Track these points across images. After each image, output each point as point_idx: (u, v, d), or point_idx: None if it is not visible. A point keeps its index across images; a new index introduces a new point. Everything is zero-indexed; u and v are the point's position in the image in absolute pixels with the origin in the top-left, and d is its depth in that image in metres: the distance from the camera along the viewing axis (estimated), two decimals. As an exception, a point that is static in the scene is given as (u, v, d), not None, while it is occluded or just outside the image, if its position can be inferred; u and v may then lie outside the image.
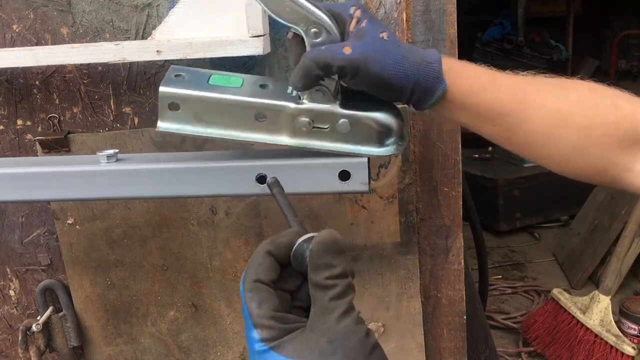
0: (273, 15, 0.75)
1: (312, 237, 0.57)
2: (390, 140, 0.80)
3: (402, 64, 0.74)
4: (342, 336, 0.53)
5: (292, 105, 0.78)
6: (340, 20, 0.77)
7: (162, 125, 0.81)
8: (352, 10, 0.77)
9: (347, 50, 0.73)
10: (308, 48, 0.76)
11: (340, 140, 0.79)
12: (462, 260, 1.16)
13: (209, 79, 0.82)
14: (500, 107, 0.78)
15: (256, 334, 0.53)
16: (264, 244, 0.59)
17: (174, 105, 0.80)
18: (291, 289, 0.60)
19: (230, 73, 0.84)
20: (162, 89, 0.80)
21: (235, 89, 0.81)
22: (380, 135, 0.80)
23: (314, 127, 0.79)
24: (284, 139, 0.80)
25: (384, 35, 0.75)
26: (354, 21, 0.76)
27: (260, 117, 0.79)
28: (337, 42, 0.76)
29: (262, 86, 0.83)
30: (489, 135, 0.81)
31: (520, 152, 0.83)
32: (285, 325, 0.54)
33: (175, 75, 0.82)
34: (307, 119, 0.78)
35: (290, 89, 0.80)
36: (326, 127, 0.79)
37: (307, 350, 0.52)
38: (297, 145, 0.80)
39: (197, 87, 0.80)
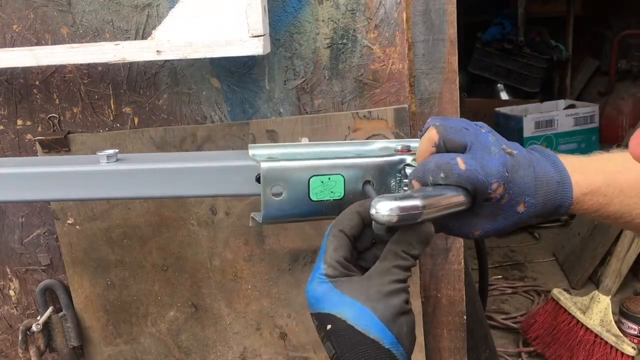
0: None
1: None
2: None
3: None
4: (388, 293, 0.66)
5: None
6: (476, 189, 0.70)
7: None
8: (494, 186, 0.70)
9: (477, 233, 0.74)
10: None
11: None
12: (462, 260, 1.16)
13: (309, 189, 0.78)
14: (620, 217, 0.78)
15: (322, 268, 0.68)
16: (356, 205, 0.73)
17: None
18: (360, 249, 0.73)
19: (329, 166, 0.79)
20: (263, 219, 0.79)
21: (338, 202, 0.80)
22: None
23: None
24: None
25: (522, 206, 0.73)
26: (492, 197, 0.71)
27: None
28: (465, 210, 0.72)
29: (366, 184, 0.80)
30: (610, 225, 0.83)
31: None
32: (346, 271, 0.68)
33: (274, 194, 0.78)
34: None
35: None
36: None
37: (357, 291, 0.66)
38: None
39: (299, 208, 0.79)
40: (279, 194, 0.78)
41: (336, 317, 0.65)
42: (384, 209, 0.65)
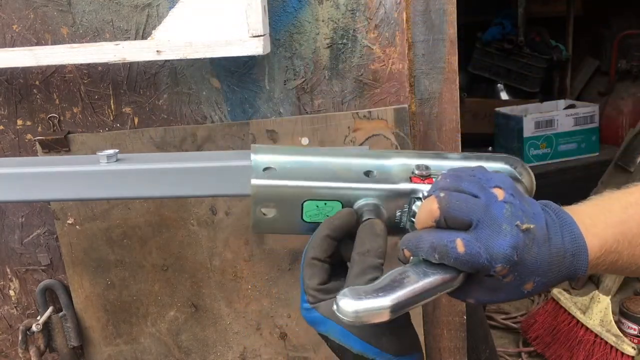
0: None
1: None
2: None
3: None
4: None
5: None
6: (477, 270, 0.63)
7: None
8: (498, 269, 0.62)
9: (471, 301, 0.68)
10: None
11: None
12: (462, 260, 1.15)
13: (302, 212, 0.72)
14: (628, 267, 0.74)
15: (304, 297, 0.70)
16: (324, 228, 0.71)
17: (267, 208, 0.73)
18: (345, 254, 0.73)
19: (327, 190, 0.72)
20: (252, 230, 0.75)
21: None
22: None
23: None
24: None
25: (530, 285, 0.65)
26: (494, 276, 0.63)
27: None
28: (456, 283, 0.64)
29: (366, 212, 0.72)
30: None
31: None
32: (323, 295, 0.69)
33: (263, 210, 0.72)
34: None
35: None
36: None
37: (334, 311, 0.64)
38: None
39: (290, 226, 0.73)
40: (270, 212, 0.72)
41: (328, 338, 0.69)
42: (346, 308, 0.59)
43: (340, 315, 0.60)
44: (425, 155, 0.76)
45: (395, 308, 0.59)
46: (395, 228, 0.74)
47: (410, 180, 0.72)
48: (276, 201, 0.71)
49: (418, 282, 0.61)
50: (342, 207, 0.71)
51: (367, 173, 0.73)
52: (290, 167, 0.72)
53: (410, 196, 0.72)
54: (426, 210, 0.64)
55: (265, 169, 0.72)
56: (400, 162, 0.74)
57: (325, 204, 0.71)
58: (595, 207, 0.74)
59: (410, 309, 0.61)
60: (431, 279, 0.62)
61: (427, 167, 0.73)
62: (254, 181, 0.71)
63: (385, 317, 0.59)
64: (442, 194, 0.64)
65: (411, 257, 0.65)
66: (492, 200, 0.63)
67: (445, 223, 0.63)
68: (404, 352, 0.68)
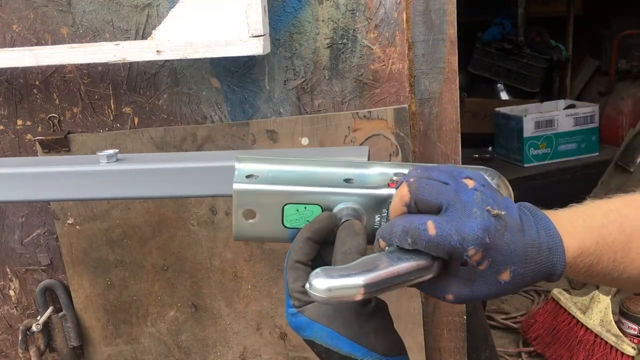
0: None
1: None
2: None
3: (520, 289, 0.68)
4: (343, 305, 0.67)
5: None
6: (450, 255, 0.63)
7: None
8: (470, 252, 0.62)
9: (450, 297, 0.66)
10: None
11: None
12: (462, 260, 1.16)
13: (283, 216, 0.74)
14: (608, 273, 0.73)
15: (289, 302, 0.70)
16: (305, 231, 0.72)
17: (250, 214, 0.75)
18: (329, 259, 0.73)
19: (307, 194, 0.74)
20: (235, 237, 0.76)
21: None
22: None
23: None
24: None
25: (506, 275, 0.64)
26: (468, 263, 0.63)
27: None
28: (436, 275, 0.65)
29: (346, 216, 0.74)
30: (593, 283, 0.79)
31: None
32: (309, 298, 0.67)
33: (245, 217, 0.74)
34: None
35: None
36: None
37: (319, 314, 0.68)
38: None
39: (272, 232, 0.75)
40: (252, 217, 0.74)
41: (314, 342, 0.69)
42: (318, 286, 0.61)
43: (312, 293, 0.61)
44: (405, 165, 0.77)
45: (368, 287, 0.61)
46: (375, 235, 0.74)
47: (388, 186, 0.74)
48: (257, 205, 0.73)
49: (392, 266, 0.63)
50: (322, 212, 0.73)
51: (347, 180, 0.75)
52: (272, 175, 0.75)
53: (387, 201, 0.73)
54: (397, 196, 0.66)
55: (248, 176, 0.74)
56: (379, 171, 0.76)
57: (305, 208, 0.73)
58: (574, 212, 0.74)
59: (383, 291, 0.63)
60: (405, 264, 0.63)
61: (405, 175, 0.74)
62: (236, 186, 0.73)
63: (358, 295, 0.61)
64: (412, 180, 0.66)
65: (387, 248, 0.67)
66: (462, 188, 0.64)
67: (416, 207, 0.65)
68: (392, 352, 0.68)
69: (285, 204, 0.73)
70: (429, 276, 0.64)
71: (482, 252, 0.62)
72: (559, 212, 0.73)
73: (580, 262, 0.70)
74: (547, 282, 0.70)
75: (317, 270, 0.62)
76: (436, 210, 0.64)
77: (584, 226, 0.71)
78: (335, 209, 0.73)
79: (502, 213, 0.64)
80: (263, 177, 0.74)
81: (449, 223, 0.62)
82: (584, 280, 0.76)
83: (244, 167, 0.75)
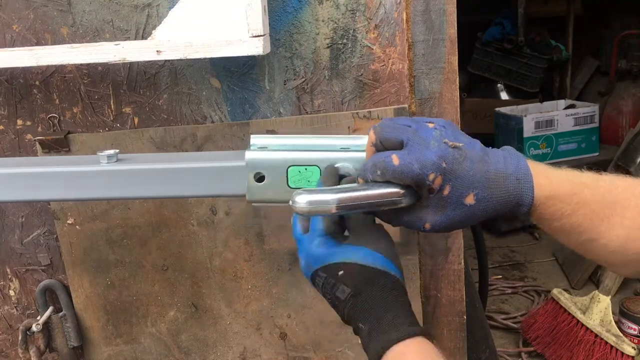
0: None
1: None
2: None
3: (491, 218, 0.75)
4: (381, 237, 0.79)
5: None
6: (414, 182, 0.73)
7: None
8: (431, 177, 0.72)
9: (427, 226, 0.76)
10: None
11: None
12: (462, 260, 1.16)
13: (287, 178, 0.86)
14: (583, 232, 0.77)
15: (322, 229, 0.79)
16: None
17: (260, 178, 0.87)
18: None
19: (306, 157, 0.86)
20: (248, 200, 0.88)
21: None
22: None
23: None
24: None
25: (470, 198, 0.73)
26: (432, 188, 0.73)
27: None
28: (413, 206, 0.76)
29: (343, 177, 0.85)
30: (569, 245, 0.81)
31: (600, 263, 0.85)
32: (336, 231, 0.80)
33: (256, 179, 0.87)
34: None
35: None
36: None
37: (359, 240, 0.78)
38: None
39: (279, 194, 0.86)
40: (261, 180, 0.86)
41: (347, 263, 0.75)
42: (300, 200, 0.73)
43: (295, 206, 0.73)
44: None
45: (341, 202, 0.73)
46: None
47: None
48: (265, 168, 0.86)
49: (365, 191, 0.75)
50: (320, 172, 0.85)
51: (344, 149, 0.86)
52: (279, 145, 0.88)
53: None
54: (368, 140, 0.78)
55: (261, 147, 0.88)
56: None
57: (306, 169, 0.86)
58: (561, 169, 0.80)
59: (355, 208, 0.75)
60: (376, 190, 0.74)
61: None
62: (248, 154, 0.86)
63: (332, 209, 0.73)
64: (377, 124, 0.77)
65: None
66: (422, 127, 0.75)
67: (382, 145, 0.76)
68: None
69: (289, 166, 0.85)
70: (402, 204, 0.75)
71: (442, 177, 0.72)
72: (546, 164, 0.80)
73: (552, 205, 0.75)
74: (518, 213, 0.76)
75: (300, 189, 0.75)
76: (399, 146, 0.74)
77: (564, 177, 0.77)
78: (336, 165, 0.85)
79: (460, 145, 0.73)
80: (271, 147, 0.87)
81: (410, 154, 0.72)
82: (560, 235, 0.78)
83: (257, 141, 0.89)
